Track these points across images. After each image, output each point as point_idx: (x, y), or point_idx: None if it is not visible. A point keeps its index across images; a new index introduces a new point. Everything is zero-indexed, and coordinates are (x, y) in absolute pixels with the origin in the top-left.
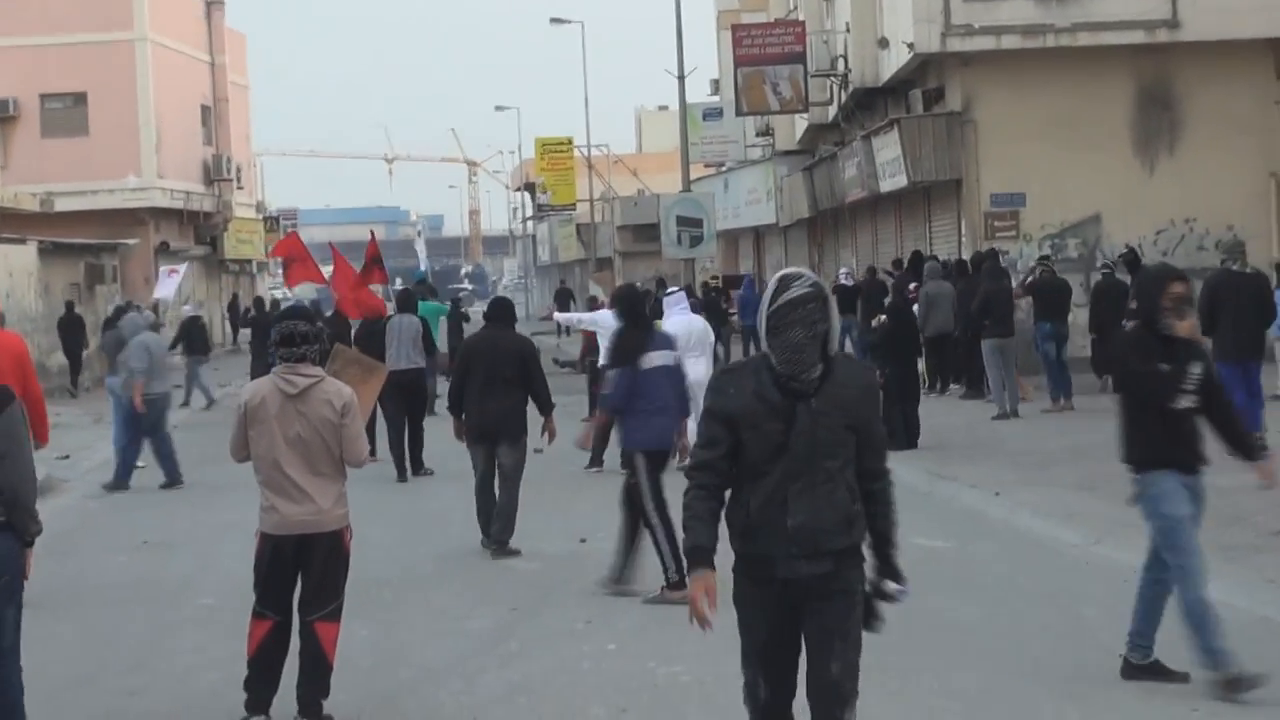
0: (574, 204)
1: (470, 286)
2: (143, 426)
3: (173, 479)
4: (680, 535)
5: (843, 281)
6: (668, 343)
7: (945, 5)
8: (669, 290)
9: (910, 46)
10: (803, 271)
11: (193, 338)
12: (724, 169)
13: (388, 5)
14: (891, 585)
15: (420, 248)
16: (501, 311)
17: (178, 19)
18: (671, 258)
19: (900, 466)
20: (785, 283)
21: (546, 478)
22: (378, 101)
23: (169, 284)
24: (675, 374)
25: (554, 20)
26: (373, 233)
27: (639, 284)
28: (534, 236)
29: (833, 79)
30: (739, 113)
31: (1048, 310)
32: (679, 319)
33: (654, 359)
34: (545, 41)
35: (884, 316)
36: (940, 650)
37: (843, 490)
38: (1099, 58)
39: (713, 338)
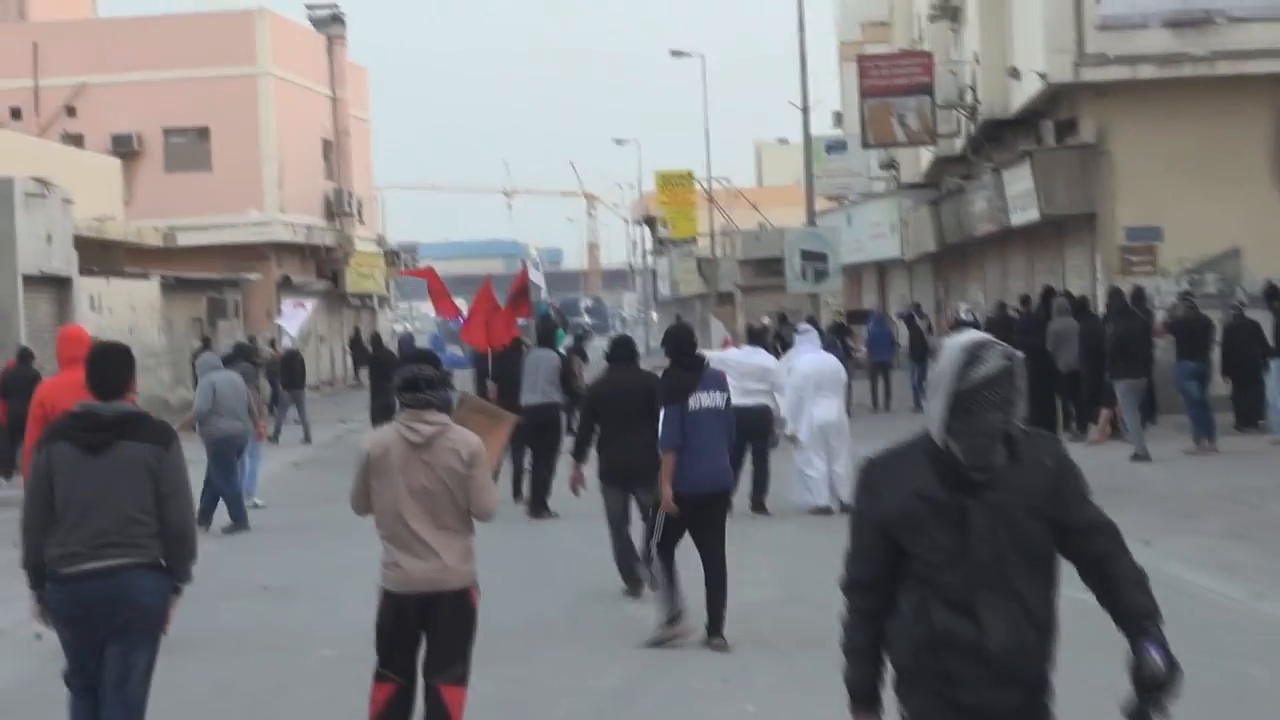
0: (694, 237)
1: (590, 321)
2: (211, 467)
3: (238, 523)
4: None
5: (963, 317)
6: (718, 384)
7: (1079, 34)
8: (800, 328)
9: (1042, 77)
10: (991, 340)
11: (292, 372)
12: (847, 203)
13: (507, 39)
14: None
15: (538, 279)
16: (624, 351)
17: (299, 53)
18: (795, 292)
19: None
20: (976, 355)
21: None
22: (497, 135)
23: (295, 317)
24: (724, 416)
25: (674, 53)
26: (524, 263)
27: (764, 321)
28: (654, 270)
29: (960, 110)
30: (865, 145)
31: (1190, 348)
32: (810, 358)
33: (702, 400)
34: (665, 75)
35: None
36: (1096, 714)
37: (1043, 600)
38: (1238, 87)
39: (844, 377)
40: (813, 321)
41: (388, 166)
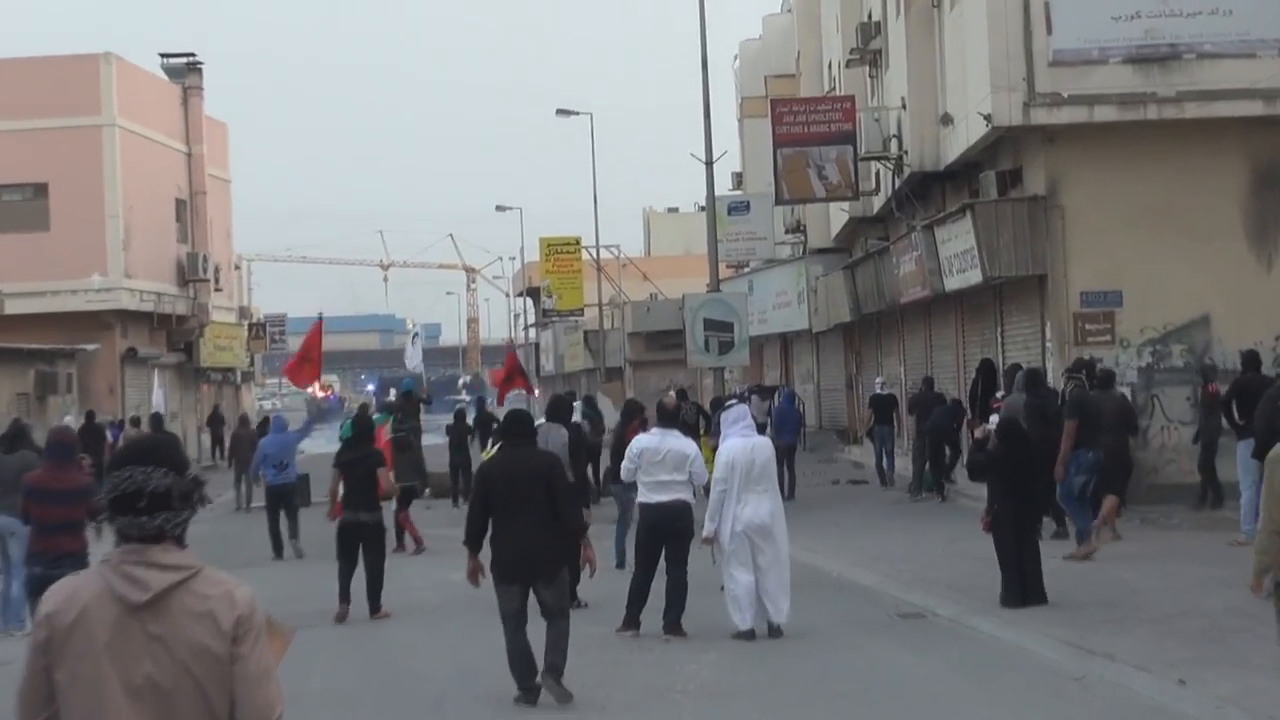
0: (581, 309)
1: (468, 397)
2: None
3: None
4: None
5: (878, 391)
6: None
7: (1028, 70)
8: (727, 402)
9: (986, 119)
10: None
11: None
12: (749, 269)
13: (385, 98)
14: None
15: (412, 352)
16: (519, 427)
17: (150, 104)
18: (697, 366)
19: (1030, 637)
20: None
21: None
22: (373, 204)
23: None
24: None
25: (560, 111)
26: (511, 343)
27: (671, 393)
28: (537, 344)
29: (885, 163)
30: (779, 201)
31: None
32: (735, 442)
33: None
34: (549, 139)
35: (989, 425)
36: None
37: None
38: (1208, 132)
39: (773, 467)
40: (759, 391)
41: (253, 235)
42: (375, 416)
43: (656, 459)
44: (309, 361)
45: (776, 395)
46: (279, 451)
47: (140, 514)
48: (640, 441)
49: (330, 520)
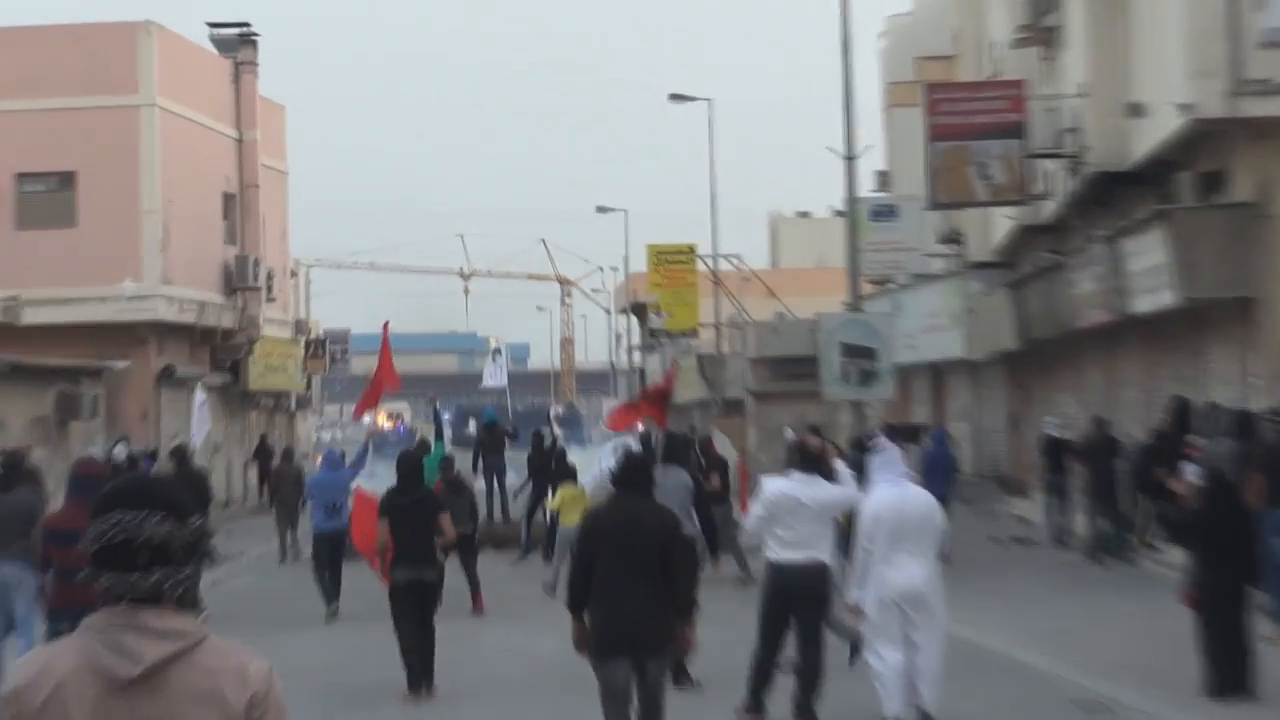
0: (695, 329)
1: (561, 431)
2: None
3: None
4: None
5: (1051, 433)
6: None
7: (1232, 53)
8: (875, 443)
9: (1184, 110)
10: None
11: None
12: (894, 286)
13: (468, 81)
14: None
15: (492, 370)
16: (636, 474)
17: (196, 81)
18: (835, 398)
19: None
20: None
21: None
22: (452, 202)
23: (202, 417)
24: None
25: (674, 97)
26: (669, 371)
27: (808, 433)
28: (642, 370)
29: (1059, 160)
30: (932, 205)
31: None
32: (888, 493)
33: None
34: (659, 132)
35: (1189, 477)
36: None
37: None
38: None
39: (939, 519)
40: (897, 432)
41: (312, 237)
42: (434, 448)
43: (794, 509)
44: (374, 384)
45: (922, 437)
46: (329, 491)
47: (132, 570)
48: (775, 488)
49: (381, 580)
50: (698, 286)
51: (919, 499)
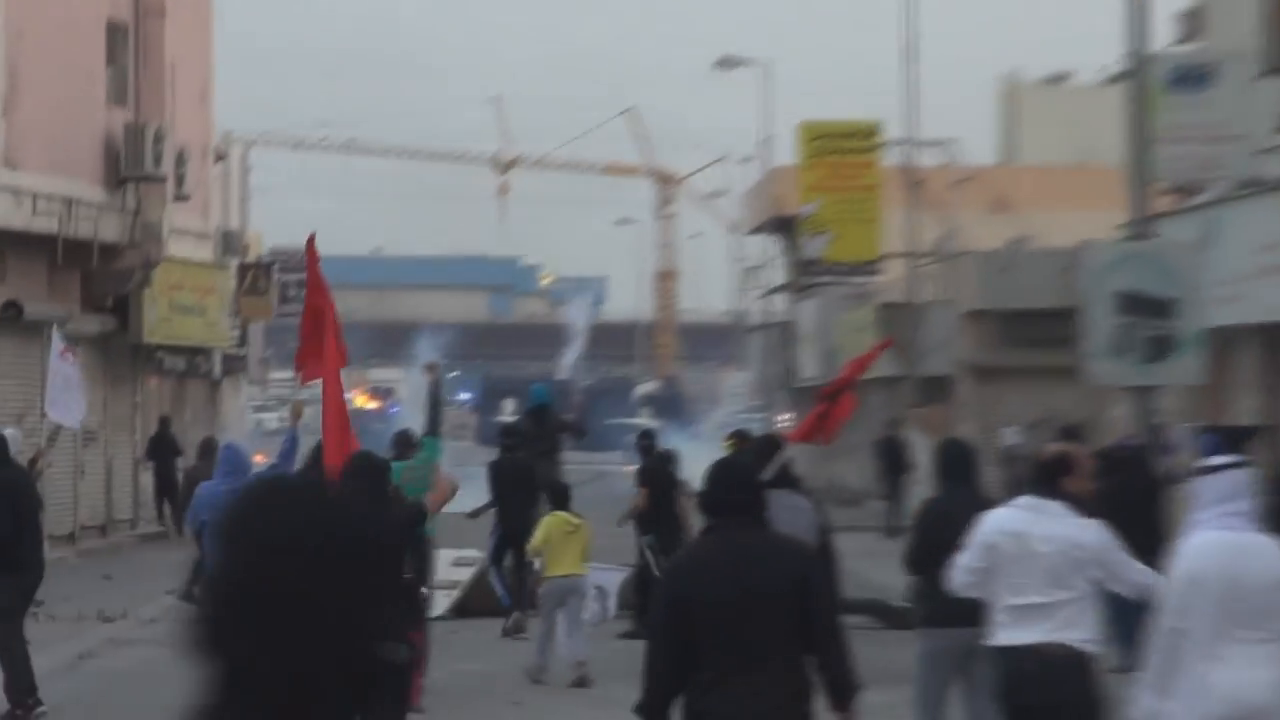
0: (877, 261)
1: (649, 424)
2: None
3: None
4: None
5: None
6: None
7: None
8: (1186, 460)
9: None
10: None
11: None
12: (1205, 198)
13: None
14: None
15: (575, 317)
16: (740, 493)
17: None
18: (1103, 382)
19: None
20: None
21: None
22: (479, 49)
23: (69, 388)
24: None
25: None
26: (883, 342)
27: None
28: (785, 326)
29: None
30: (1270, 70)
31: None
32: (1215, 541)
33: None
34: None
35: None
36: None
37: None
38: None
39: None
40: (1232, 437)
41: (253, 100)
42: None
43: (1020, 556)
44: (318, 336)
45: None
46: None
47: None
48: (993, 522)
49: None
50: (880, 192)
51: (1268, 553)
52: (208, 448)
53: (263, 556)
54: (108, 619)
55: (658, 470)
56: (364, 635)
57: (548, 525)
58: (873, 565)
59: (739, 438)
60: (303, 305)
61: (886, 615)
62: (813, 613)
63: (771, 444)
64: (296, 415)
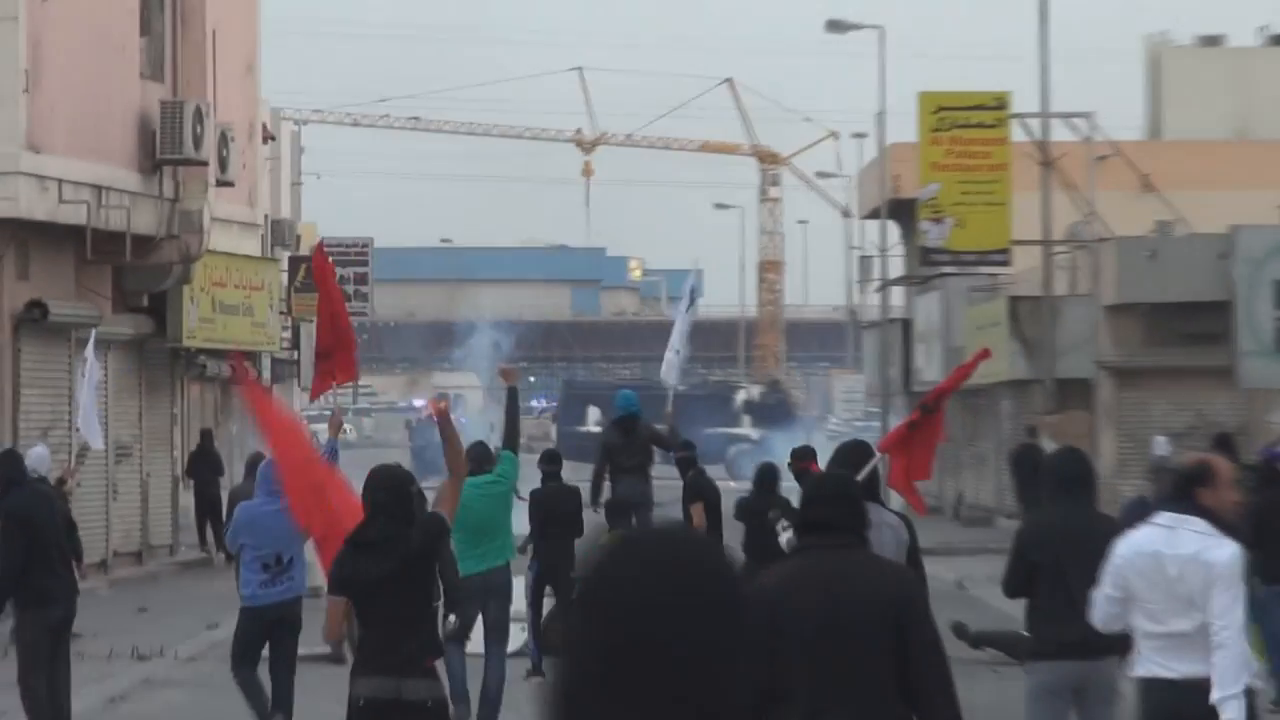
0: (1007, 249)
1: (750, 435)
2: None
3: None
4: None
5: None
6: None
7: None
8: None
9: None
10: None
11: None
12: None
13: None
14: None
15: (681, 317)
16: (837, 506)
17: None
18: (1263, 385)
19: None
20: None
21: None
22: (558, 16)
23: (91, 398)
24: None
25: None
26: (981, 352)
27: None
28: (904, 323)
29: None
30: None
31: None
32: None
33: None
34: None
35: None
36: None
37: None
38: None
39: None
40: None
41: (306, 76)
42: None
43: (1159, 582)
44: (335, 343)
45: None
46: (269, 533)
47: None
48: (1127, 545)
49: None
50: (1010, 172)
51: None
52: (256, 464)
53: (629, 620)
54: (142, 657)
55: (707, 485)
56: (742, 700)
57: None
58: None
59: (801, 457)
60: (368, 302)
61: (1017, 649)
62: (914, 646)
63: (859, 452)
64: (336, 427)
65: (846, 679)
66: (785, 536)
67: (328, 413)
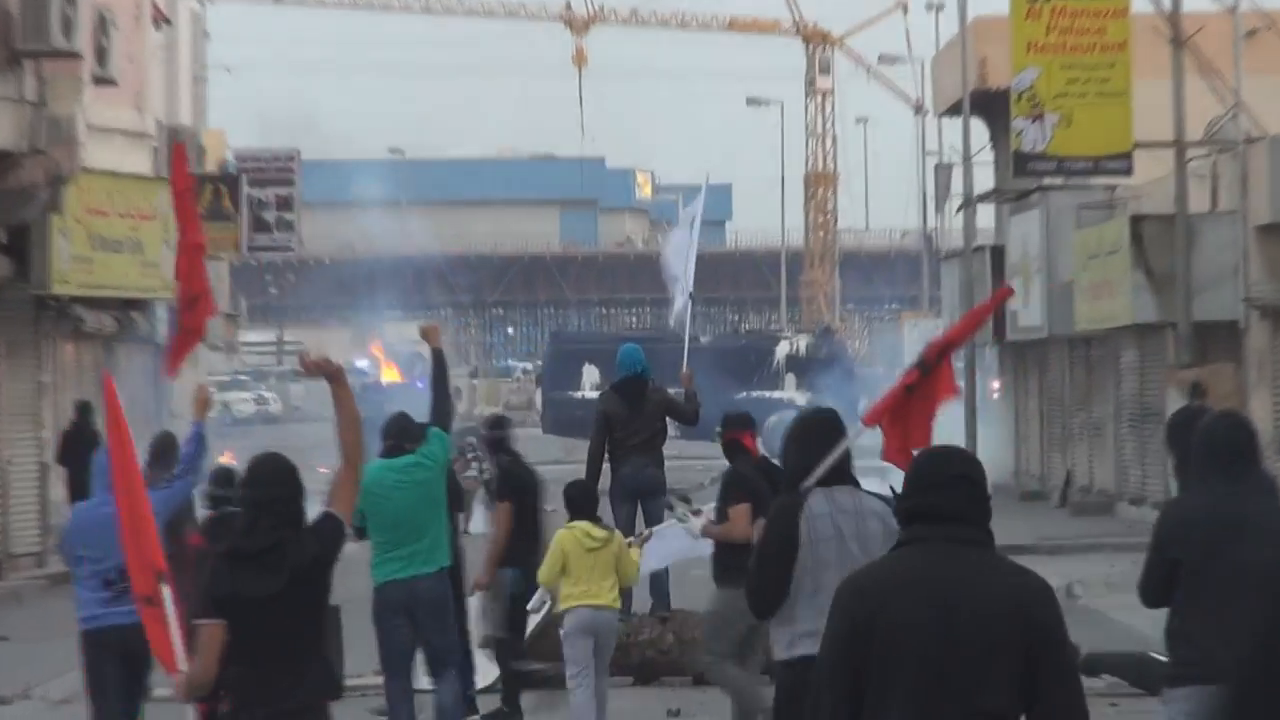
0: (1129, 154)
1: (794, 399)
2: None
3: None
4: None
5: None
6: None
7: None
8: None
9: None
10: None
11: None
12: None
13: None
14: None
15: (676, 247)
16: (950, 494)
17: None
18: None
19: None
20: None
21: None
22: None
23: None
24: None
25: None
26: (1003, 290)
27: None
28: (994, 251)
29: None
30: None
31: None
32: None
33: None
34: None
35: None
36: None
37: None
38: None
39: None
40: None
41: None
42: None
43: None
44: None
45: None
46: (111, 541)
47: None
48: None
49: None
50: (1131, 54)
51: None
52: (161, 447)
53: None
54: (2, 700)
55: (757, 482)
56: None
57: (560, 544)
58: (1129, 604)
59: (733, 426)
60: (295, 236)
61: (1143, 675)
62: (1047, 677)
63: (825, 427)
64: (203, 406)
65: (952, 695)
66: (685, 526)
67: (243, 378)
